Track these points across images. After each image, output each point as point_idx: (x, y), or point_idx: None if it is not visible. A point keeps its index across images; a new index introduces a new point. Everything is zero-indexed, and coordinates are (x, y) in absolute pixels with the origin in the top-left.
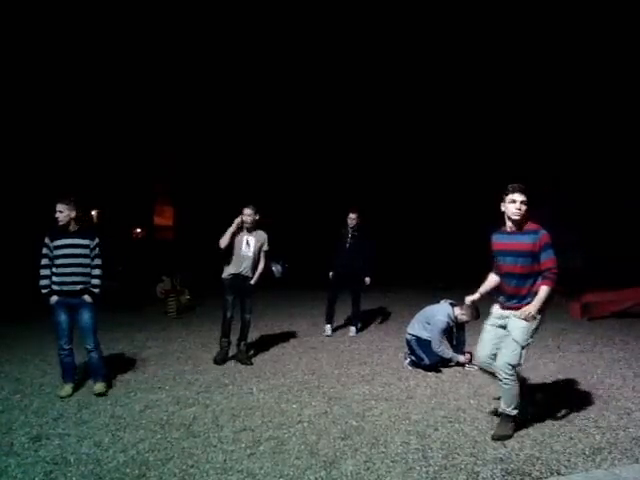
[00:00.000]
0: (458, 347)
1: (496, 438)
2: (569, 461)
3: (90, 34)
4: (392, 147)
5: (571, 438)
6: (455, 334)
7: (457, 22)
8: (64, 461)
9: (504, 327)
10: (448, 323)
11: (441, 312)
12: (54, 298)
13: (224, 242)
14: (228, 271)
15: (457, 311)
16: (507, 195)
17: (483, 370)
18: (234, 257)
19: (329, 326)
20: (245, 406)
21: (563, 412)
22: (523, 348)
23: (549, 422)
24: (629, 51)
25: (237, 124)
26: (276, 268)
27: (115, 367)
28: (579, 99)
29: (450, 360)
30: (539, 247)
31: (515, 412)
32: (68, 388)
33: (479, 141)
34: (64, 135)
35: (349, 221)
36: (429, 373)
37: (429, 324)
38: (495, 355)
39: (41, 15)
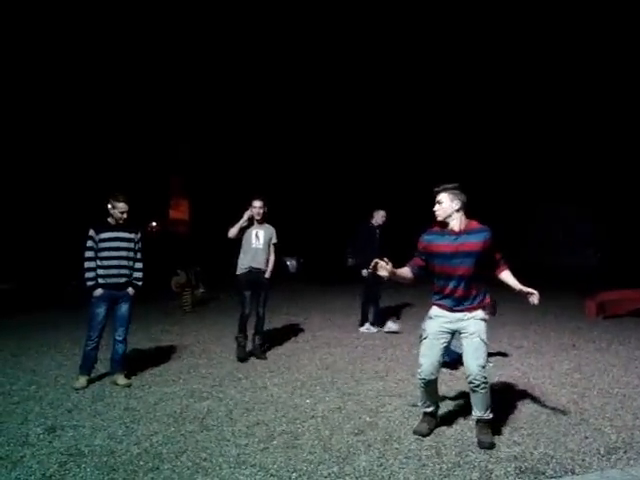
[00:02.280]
0: None
1: (487, 446)
2: (584, 460)
3: (111, 29)
4: (410, 144)
5: (586, 437)
6: None
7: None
8: (78, 452)
9: (453, 332)
10: None
11: None
12: (99, 291)
13: (233, 233)
14: (242, 266)
15: None
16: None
17: (426, 386)
18: (245, 251)
19: (369, 324)
20: (259, 400)
21: (578, 411)
22: (487, 344)
23: (564, 421)
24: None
25: (252, 118)
26: (291, 263)
27: (130, 360)
28: (591, 100)
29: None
30: (489, 245)
31: (492, 415)
32: (83, 380)
33: (497, 142)
34: (79, 128)
35: (379, 219)
36: (443, 370)
37: None
38: (439, 364)
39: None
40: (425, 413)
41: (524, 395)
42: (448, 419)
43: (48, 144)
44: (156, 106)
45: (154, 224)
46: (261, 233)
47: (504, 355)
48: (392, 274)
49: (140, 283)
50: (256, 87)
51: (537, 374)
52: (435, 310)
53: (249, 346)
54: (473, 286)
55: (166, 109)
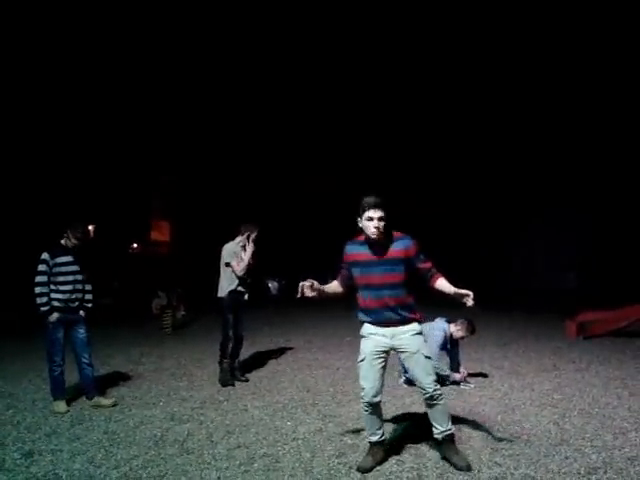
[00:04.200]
0: (453, 365)
1: (466, 469)
2: None
3: (80, 59)
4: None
5: (566, 457)
6: (449, 351)
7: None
8: (56, 477)
9: (388, 351)
10: (445, 338)
11: (437, 328)
12: (55, 315)
13: (244, 269)
14: (227, 289)
15: (452, 328)
16: (363, 212)
17: (370, 411)
18: (229, 274)
19: None
20: (239, 423)
21: (558, 431)
22: (430, 358)
23: (544, 441)
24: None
25: (234, 141)
26: (272, 285)
27: (109, 383)
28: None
29: (447, 378)
30: (413, 253)
31: (453, 427)
32: (64, 404)
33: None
34: (60, 148)
35: None
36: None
37: (426, 341)
38: (382, 385)
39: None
40: (371, 444)
41: (505, 416)
42: (429, 440)
43: (28, 163)
44: (138, 129)
45: (135, 246)
46: (244, 254)
47: (484, 376)
48: (320, 292)
49: (90, 305)
50: (236, 111)
51: (518, 395)
52: (368, 327)
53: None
54: (400, 297)
55: (147, 130)
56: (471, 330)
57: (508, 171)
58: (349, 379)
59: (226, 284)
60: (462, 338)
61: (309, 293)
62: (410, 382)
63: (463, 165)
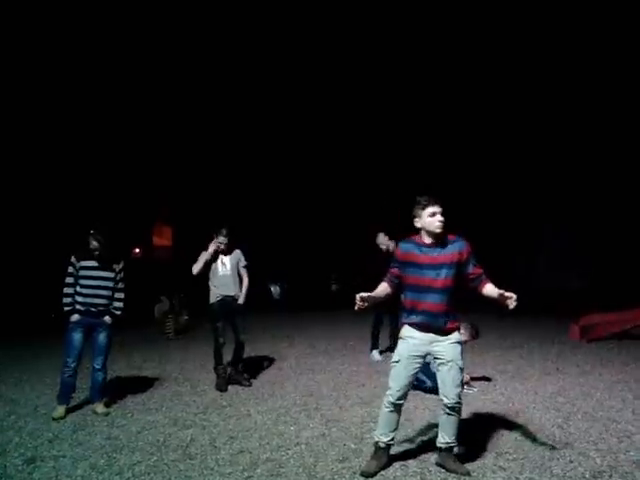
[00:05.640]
0: None
1: (466, 474)
2: None
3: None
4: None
5: (571, 461)
6: None
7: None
8: None
9: (424, 356)
10: None
11: None
12: (76, 316)
13: (198, 269)
14: (214, 296)
15: None
16: (424, 209)
17: (390, 411)
18: (214, 280)
19: (376, 351)
20: (243, 428)
21: (563, 435)
22: (463, 369)
23: (548, 445)
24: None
25: (236, 145)
26: (274, 289)
27: (112, 388)
28: (583, 115)
29: None
30: (465, 257)
31: (457, 443)
32: (62, 410)
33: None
34: (64, 154)
35: (389, 244)
36: (427, 396)
37: None
38: (409, 389)
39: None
40: (376, 448)
41: (509, 419)
42: (433, 445)
43: (30, 167)
44: (140, 130)
45: (137, 250)
46: (227, 259)
47: (488, 380)
48: (373, 300)
49: (118, 312)
50: (242, 117)
51: (521, 398)
52: (408, 330)
53: (231, 374)
54: (445, 303)
55: (150, 133)
56: (475, 334)
57: (512, 183)
58: (352, 383)
59: (212, 289)
60: (465, 342)
61: (365, 304)
62: (414, 386)
63: (466, 172)
